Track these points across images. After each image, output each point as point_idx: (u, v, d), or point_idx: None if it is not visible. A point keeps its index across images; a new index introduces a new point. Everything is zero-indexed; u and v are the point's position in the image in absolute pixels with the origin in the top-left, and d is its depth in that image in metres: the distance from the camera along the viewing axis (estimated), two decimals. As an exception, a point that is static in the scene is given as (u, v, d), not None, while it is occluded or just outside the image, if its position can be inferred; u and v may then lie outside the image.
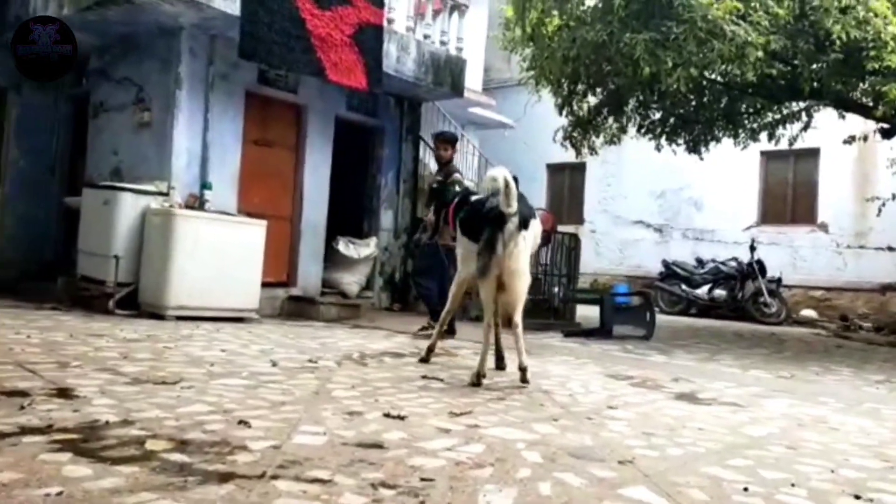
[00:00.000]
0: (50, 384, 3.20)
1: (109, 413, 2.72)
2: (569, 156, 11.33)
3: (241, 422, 2.73)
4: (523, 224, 4.07)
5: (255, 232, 7.24)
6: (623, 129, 10.36)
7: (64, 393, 3.04)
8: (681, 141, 10.47)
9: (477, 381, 4.01)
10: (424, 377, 4.20)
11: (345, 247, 9.05)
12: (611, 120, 10.22)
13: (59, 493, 1.82)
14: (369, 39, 7.63)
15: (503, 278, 4.07)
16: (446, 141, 6.93)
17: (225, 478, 2.05)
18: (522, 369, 4.15)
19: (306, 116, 8.57)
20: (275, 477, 2.08)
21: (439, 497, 1.99)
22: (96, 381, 3.34)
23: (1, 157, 8.82)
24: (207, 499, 1.85)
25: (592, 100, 9.86)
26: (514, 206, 3.99)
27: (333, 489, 2.00)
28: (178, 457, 2.23)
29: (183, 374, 3.73)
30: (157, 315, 6.59)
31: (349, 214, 9.59)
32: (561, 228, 10.43)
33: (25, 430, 2.39)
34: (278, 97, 8.30)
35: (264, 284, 7.49)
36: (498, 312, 4.44)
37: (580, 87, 9.37)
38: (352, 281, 9.14)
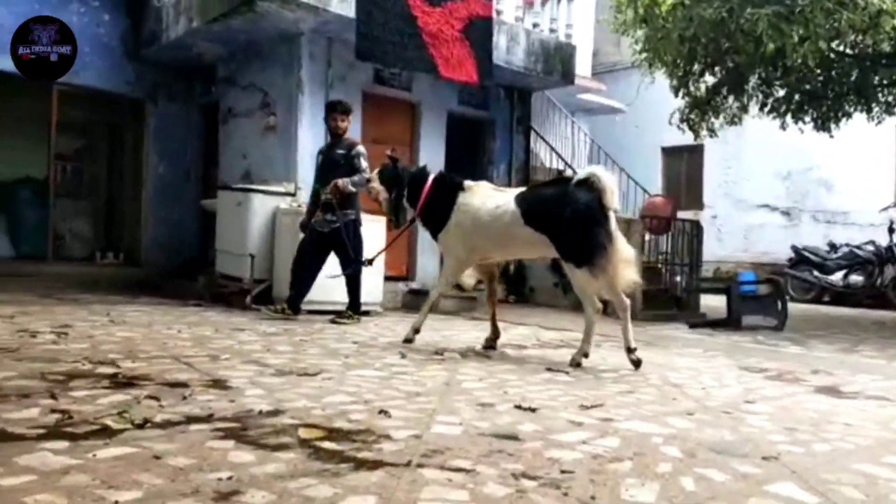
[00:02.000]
0: (205, 376, 3.45)
1: (261, 403, 2.92)
2: (685, 138, 10.95)
3: (381, 411, 2.86)
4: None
5: (376, 228, 7.45)
6: (744, 109, 9.91)
7: (218, 384, 3.28)
8: (808, 118, 9.89)
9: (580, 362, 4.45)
10: (549, 370, 4.21)
11: (460, 240, 9.16)
12: (731, 99, 9.80)
13: (230, 478, 1.98)
14: (479, 33, 7.69)
15: (614, 268, 4.40)
16: (344, 112, 6.54)
17: (374, 465, 2.16)
18: (631, 350, 4.50)
19: (420, 113, 8.75)
20: (420, 465, 2.17)
21: (581, 490, 2.02)
22: (245, 373, 3.58)
23: (142, 165, 9.54)
24: (361, 485, 1.96)
25: (710, 79, 9.51)
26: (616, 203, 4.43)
27: (477, 479, 2.06)
28: (329, 444, 2.36)
29: (321, 365, 3.92)
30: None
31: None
32: (680, 215, 10.14)
33: (191, 419, 2.61)
34: (393, 95, 8.51)
35: (386, 278, 7.72)
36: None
37: (697, 66, 9.05)
38: (468, 274, 9.23)
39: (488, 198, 4.84)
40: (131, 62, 9.15)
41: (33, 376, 3.22)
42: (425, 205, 5.00)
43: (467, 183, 4.99)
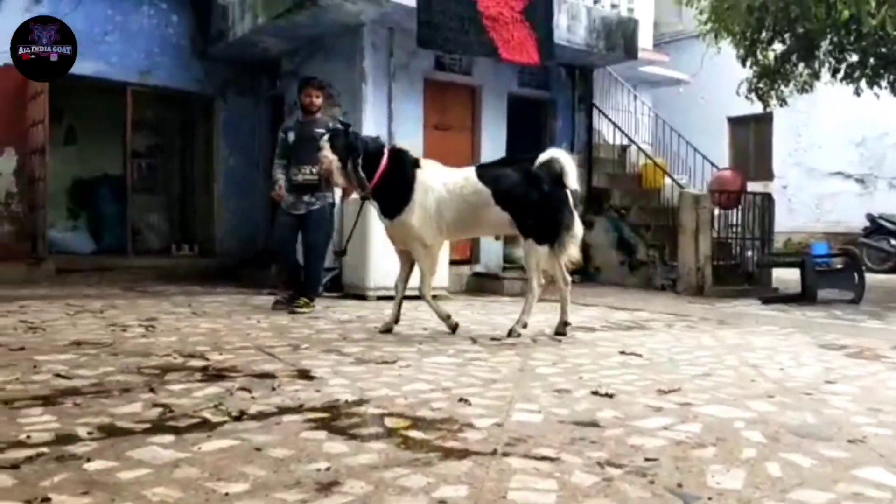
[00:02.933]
0: (290, 366, 3.60)
1: (346, 392, 3.04)
2: (752, 108, 10.65)
3: (461, 399, 2.94)
4: None
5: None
6: (815, 76, 9.55)
7: (303, 374, 3.42)
8: (884, 83, 9.47)
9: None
10: (623, 353, 4.22)
11: (524, 221, 9.17)
12: (801, 66, 9.46)
13: (327, 469, 2.08)
14: (539, 13, 7.64)
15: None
16: (320, 87, 6.30)
17: (461, 454, 2.24)
18: (567, 324, 4.87)
19: (480, 96, 8.76)
20: (506, 454, 2.24)
21: (667, 477, 2.06)
22: (327, 363, 3.72)
23: (213, 159, 9.87)
24: (452, 475, 2.04)
25: (779, 47, 9.19)
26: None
27: (563, 467, 2.12)
28: (416, 434, 2.46)
29: (398, 353, 4.03)
30: (359, 296, 7.10)
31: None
32: (749, 187, 9.90)
33: (283, 410, 2.74)
34: (454, 80, 8.55)
35: (450, 262, 7.81)
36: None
37: (765, 34, 8.77)
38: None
39: (447, 176, 4.76)
40: (200, 60, 9.45)
41: (130, 371, 3.42)
42: (380, 181, 4.69)
43: (422, 160, 4.87)
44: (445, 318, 4.88)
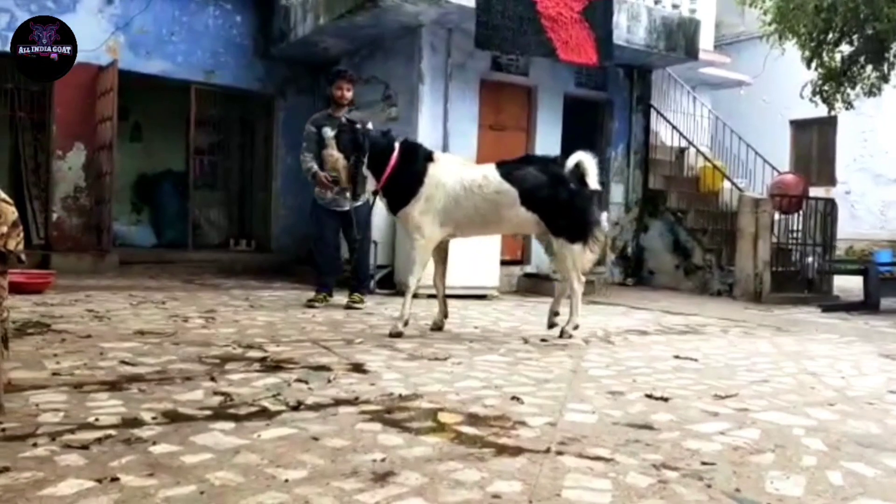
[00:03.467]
0: (344, 360, 3.67)
1: (400, 387, 3.08)
2: (816, 111, 10.36)
3: (513, 397, 2.95)
4: None
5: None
6: (884, 78, 9.24)
7: (357, 368, 3.48)
8: (958, 87, 9.12)
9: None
10: (677, 357, 4.17)
11: (576, 223, 9.11)
12: (869, 69, 9.17)
13: (382, 459, 2.12)
14: (599, 13, 7.57)
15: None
16: (351, 80, 6.21)
17: (515, 451, 2.25)
18: (576, 327, 4.77)
19: (536, 97, 8.73)
20: (559, 453, 2.24)
21: (724, 481, 2.03)
22: (380, 357, 3.77)
23: (272, 157, 10.08)
24: (506, 471, 2.06)
25: (846, 49, 8.93)
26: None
27: (618, 468, 2.11)
28: (468, 429, 2.48)
29: (449, 350, 4.06)
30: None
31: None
32: (811, 192, 9.63)
33: (338, 402, 2.79)
34: (510, 81, 8.54)
35: (501, 262, 7.81)
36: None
37: (832, 36, 8.54)
38: (587, 258, 9.17)
39: (463, 171, 4.67)
40: (261, 60, 9.67)
41: (192, 360, 3.53)
42: (389, 178, 4.60)
43: (437, 154, 4.79)
44: (402, 318, 4.62)
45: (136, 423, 2.41)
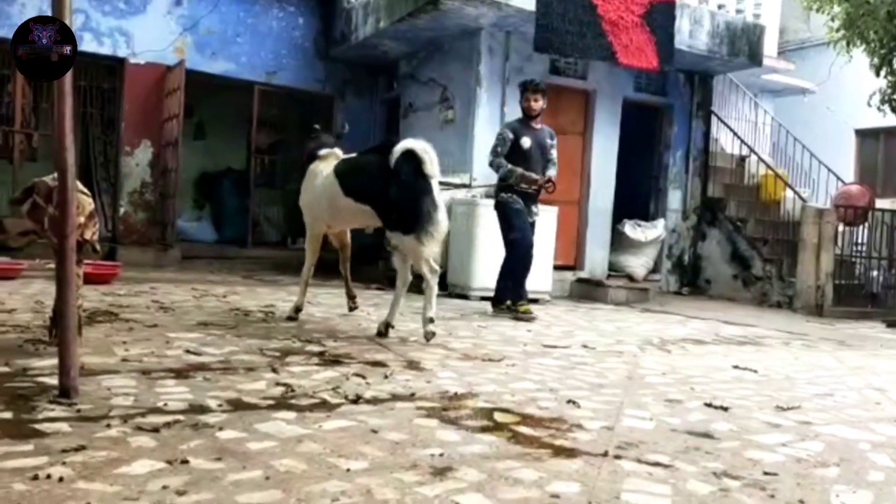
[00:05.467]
0: (400, 357, 3.71)
1: (455, 385, 3.10)
2: (884, 120, 10.03)
3: (569, 401, 2.94)
4: None
5: (547, 217, 7.52)
6: (955, 87, 8.91)
7: (413, 365, 3.52)
8: None
9: (385, 331, 4.44)
10: (736, 367, 4.10)
11: (631, 230, 9.04)
12: (942, 77, 8.84)
13: (441, 455, 2.15)
14: (661, 17, 7.50)
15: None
16: (540, 90, 6.04)
17: (571, 453, 2.25)
18: (432, 320, 4.30)
19: (594, 101, 8.67)
20: (617, 457, 2.23)
21: (788, 493, 1.99)
22: (435, 356, 3.80)
23: (329, 156, 10.22)
24: (564, 472, 2.06)
25: (919, 56, 8.64)
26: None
27: (677, 474, 2.10)
28: (525, 430, 2.49)
29: (503, 352, 4.08)
30: (462, 296, 7.19)
31: (636, 196, 9.52)
32: (877, 204, 9.32)
33: (396, 397, 2.83)
34: (568, 85, 8.50)
35: (554, 267, 7.78)
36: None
37: (904, 42, 8.26)
38: (638, 264, 9.10)
39: (326, 167, 4.78)
40: (322, 61, 9.84)
41: (253, 352, 3.62)
42: (299, 175, 5.15)
43: (322, 151, 4.94)
44: (295, 307, 4.98)
45: (203, 409, 2.49)
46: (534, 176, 5.88)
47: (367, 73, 10.03)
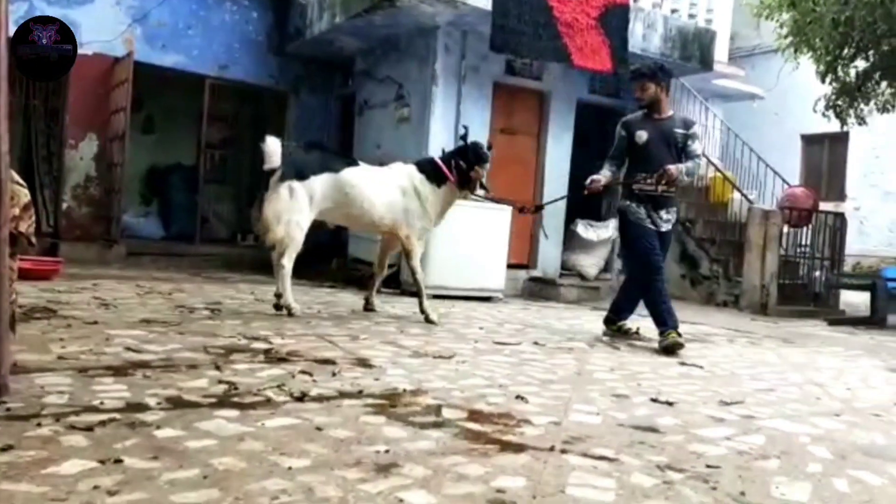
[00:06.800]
0: (349, 354, 3.66)
1: (404, 382, 3.07)
2: (828, 126, 10.32)
3: (518, 397, 2.94)
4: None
5: (501, 217, 7.55)
6: (900, 95, 9.21)
7: (362, 363, 3.47)
8: (974, 106, 9.07)
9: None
10: (683, 364, 4.15)
11: (583, 229, 9.12)
12: (883, 85, 9.13)
13: (387, 451, 2.12)
14: (615, 20, 7.58)
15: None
16: (643, 76, 4.99)
17: (518, 448, 2.24)
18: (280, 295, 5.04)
19: (549, 102, 8.73)
20: (564, 451, 2.23)
21: (729, 484, 2.02)
22: (385, 353, 3.76)
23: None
24: (510, 466, 2.05)
25: (861, 64, 8.90)
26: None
27: (622, 468, 2.10)
28: (472, 425, 2.47)
29: (454, 349, 4.06)
30: (414, 293, 7.12)
31: (588, 197, 9.57)
32: (820, 206, 9.59)
33: (343, 394, 2.79)
34: (523, 85, 8.54)
35: (507, 266, 7.80)
36: None
37: (847, 51, 8.50)
38: (590, 263, 9.19)
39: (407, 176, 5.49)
40: (275, 56, 9.70)
41: (197, 349, 3.53)
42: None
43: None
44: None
45: (141, 407, 2.41)
46: (590, 185, 5.01)
47: (322, 70, 9.91)
